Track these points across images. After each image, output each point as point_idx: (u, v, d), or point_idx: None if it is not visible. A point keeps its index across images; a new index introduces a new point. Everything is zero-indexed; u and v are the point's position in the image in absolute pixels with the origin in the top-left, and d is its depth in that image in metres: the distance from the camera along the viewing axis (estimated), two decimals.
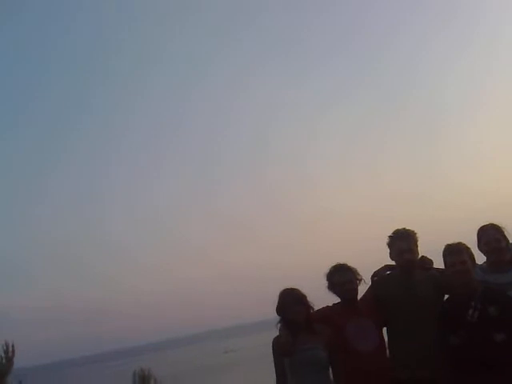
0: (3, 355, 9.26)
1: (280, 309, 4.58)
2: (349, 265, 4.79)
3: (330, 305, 4.85)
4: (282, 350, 4.52)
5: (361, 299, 4.83)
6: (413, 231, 4.73)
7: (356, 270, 4.77)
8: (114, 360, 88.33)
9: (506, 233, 4.74)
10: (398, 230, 4.75)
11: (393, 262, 4.82)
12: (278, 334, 4.61)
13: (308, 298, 4.60)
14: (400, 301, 4.62)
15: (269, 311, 4.71)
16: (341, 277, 4.71)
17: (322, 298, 4.89)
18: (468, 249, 4.45)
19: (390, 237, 4.77)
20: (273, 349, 4.61)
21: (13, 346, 9.31)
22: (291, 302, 4.53)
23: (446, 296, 4.62)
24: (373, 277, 4.93)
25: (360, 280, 4.77)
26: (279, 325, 4.60)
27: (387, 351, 4.74)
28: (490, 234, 4.71)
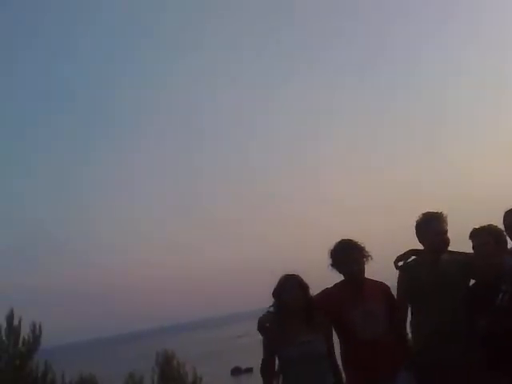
0: (30, 334, 9.38)
1: (276, 291, 4.30)
2: (356, 241, 4.48)
3: (331, 286, 4.58)
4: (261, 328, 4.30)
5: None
6: (445, 213, 4.55)
7: (363, 247, 4.48)
8: (136, 341, 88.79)
9: None
10: (430, 212, 4.54)
11: (419, 247, 4.63)
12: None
13: (310, 289, 4.32)
14: (431, 284, 4.45)
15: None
16: (347, 256, 4.40)
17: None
18: (496, 231, 4.34)
19: (423, 219, 4.55)
20: (259, 329, 4.34)
21: (40, 326, 9.43)
22: (290, 286, 4.25)
23: (472, 280, 4.54)
24: (396, 262, 4.67)
25: (367, 257, 4.49)
26: (271, 308, 4.33)
27: (405, 336, 4.61)
28: None
